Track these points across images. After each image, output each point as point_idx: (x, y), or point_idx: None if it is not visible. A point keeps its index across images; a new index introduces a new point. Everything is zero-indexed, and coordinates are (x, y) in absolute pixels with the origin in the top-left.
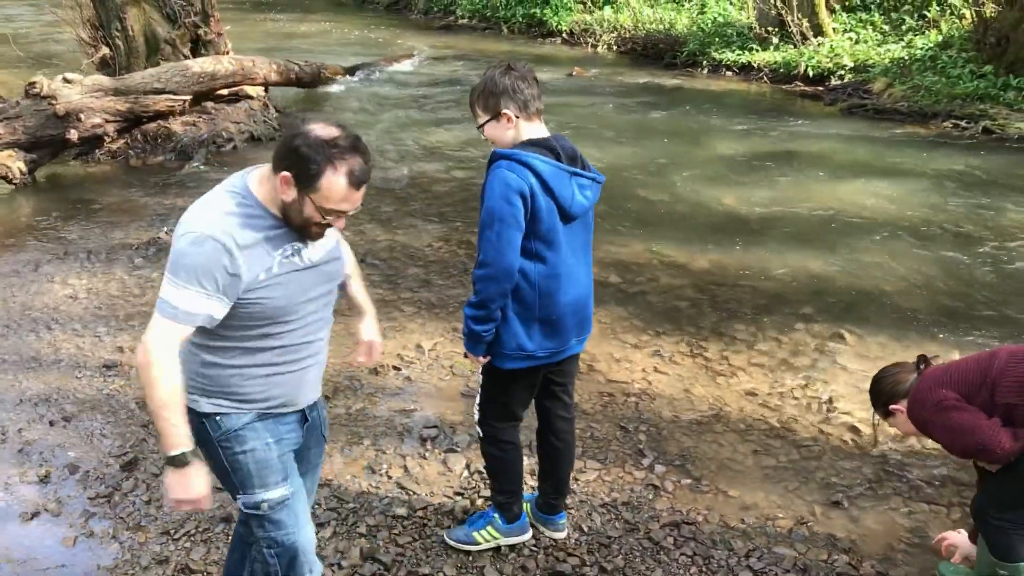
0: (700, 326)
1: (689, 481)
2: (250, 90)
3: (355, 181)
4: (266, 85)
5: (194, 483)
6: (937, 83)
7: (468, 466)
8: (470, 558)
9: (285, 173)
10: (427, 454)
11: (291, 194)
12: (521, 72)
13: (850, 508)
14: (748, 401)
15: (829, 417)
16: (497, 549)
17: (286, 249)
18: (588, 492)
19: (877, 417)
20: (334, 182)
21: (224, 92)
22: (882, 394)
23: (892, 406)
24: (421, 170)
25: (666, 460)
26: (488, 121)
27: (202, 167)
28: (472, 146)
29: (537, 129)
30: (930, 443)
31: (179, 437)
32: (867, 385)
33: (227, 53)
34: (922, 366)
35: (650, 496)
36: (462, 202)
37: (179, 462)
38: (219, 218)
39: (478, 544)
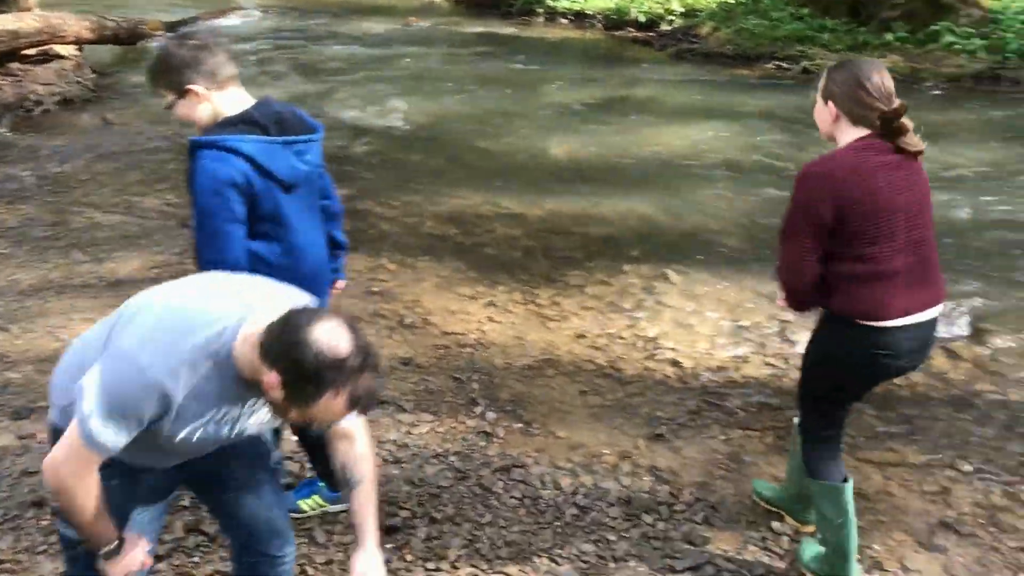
0: (534, 274)
1: (520, 426)
2: (61, 49)
3: (358, 407)
4: (79, 43)
5: (131, 557)
6: (760, 26)
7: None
8: (298, 522)
9: (275, 375)
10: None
11: (277, 394)
12: (201, 40)
13: (672, 440)
14: (578, 344)
15: (654, 354)
16: (323, 514)
17: (225, 413)
18: (420, 445)
19: None
20: (332, 405)
21: (31, 52)
22: None
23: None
24: None
25: (498, 407)
26: (176, 101)
27: (8, 133)
28: (300, 101)
29: (234, 98)
30: (747, 371)
31: (110, 534)
32: (689, 321)
33: (30, 9)
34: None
35: (482, 443)
36: None
37: (115, 552)
38: (181, 366)
39: (303, 512)
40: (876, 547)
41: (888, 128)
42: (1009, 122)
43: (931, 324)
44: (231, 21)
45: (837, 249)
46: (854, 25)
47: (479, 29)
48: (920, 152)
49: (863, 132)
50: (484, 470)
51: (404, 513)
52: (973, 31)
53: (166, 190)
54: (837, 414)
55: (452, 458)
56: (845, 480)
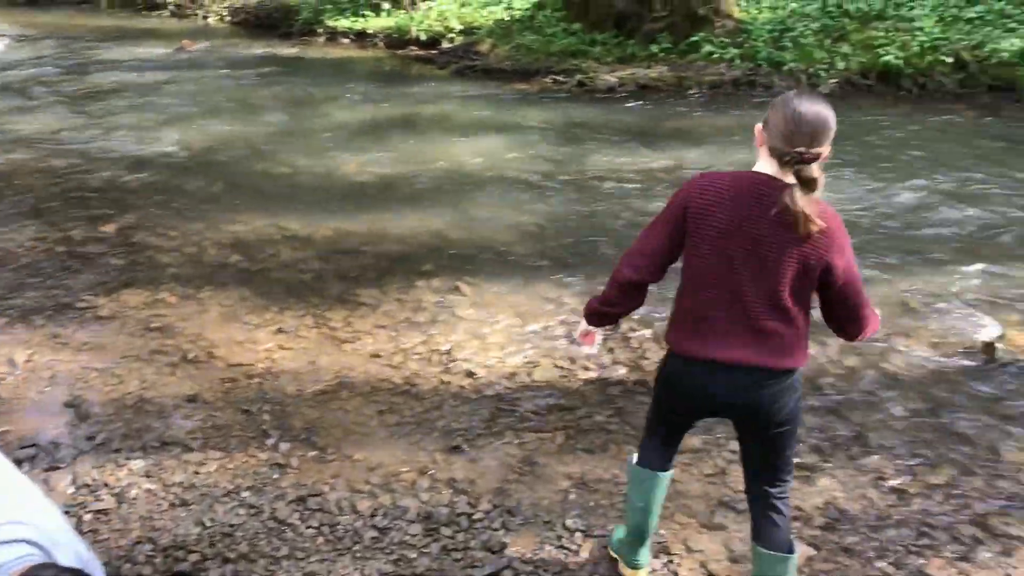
0: (324, 296)
1: (315, 453)
2: None
3: None
4: None
5: None
6: (536, 42)
7: (74, 481)
8: None
9: None
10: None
11: None
12: None
13: (469, 450)
14: (373, 363)
15: (449, 367)
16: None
17: None
18: (210, 484)
19: None
20: None
21: None
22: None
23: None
24: (9, 162)
25: (291, 436)
26: None
27: None
28: (68, 131)
29: None
30: (538, 375)
31: None
32: (483, 331)
33: None
34: None
35: (275, 476)
36: (60, 195)
37: None
38: None
39: None
40: (662, 532)
41: (795, 171)
42: None
43: (730, 372)
44: None
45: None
46: (622, 38)
47: (258, 51)
48: (807, 225)
49: (773, 165)
50: (279, 503)
51: (193, 556)
52: (728, 41)
53: None
54: (660, 417)
55: (244, 494)
56: (657, 471)
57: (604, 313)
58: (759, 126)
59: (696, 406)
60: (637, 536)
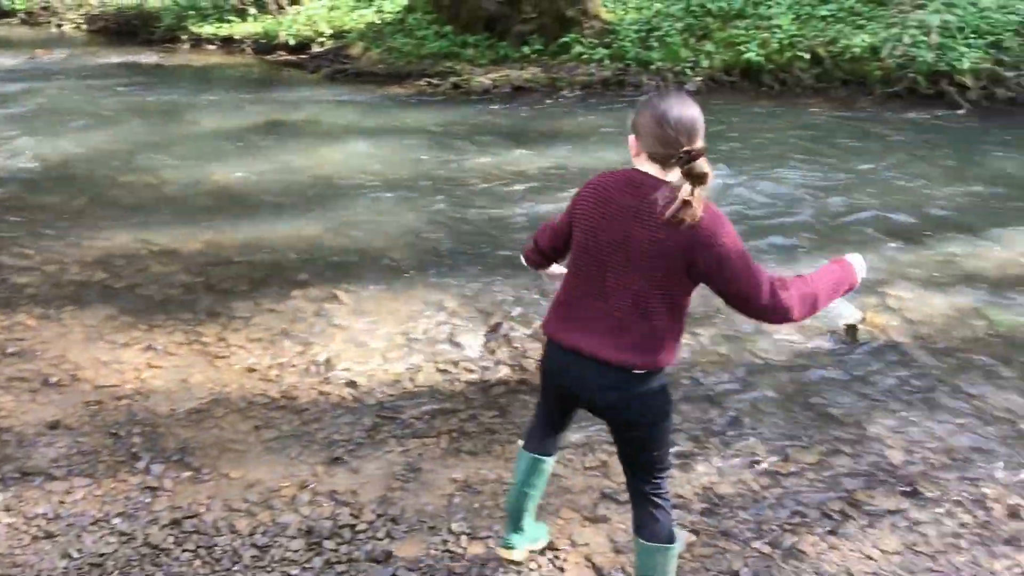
0: (196, 311)
1: (189, 474)
2: None
3: None
4: None
5: None
6: (407, 44)
7: None
8: None
9: None
10: None
11: None
12: None
13: (350, 460)
14: (248, 378)
15: (328, 377)
16: None
17: None
18: (77, 513)
19: None
20: None
21: None
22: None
23: None
24: None
25: (164, 458)
26: None
27: None
28: None
29: None
30: (420, 380)
31: None
32: (362, 339)
33: None
34: None
35: (148, 500)
36: None
37: None
38: None
39: None
40: (549, 527)
41: (686, 170)
42: None
43: (590, 365)
44: None
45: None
46: (493, 40)
47: (119, 59)
48: (689, 220)
49: (655, 167)
50: (152, 528)
51: None
52: (597, 42)
53: None
54: (541, 400)
55: (115, 520)
56: (533, 453)
57: (531, 261)
58: (631, 137)
59: (561, 392)
60: (512, 516)
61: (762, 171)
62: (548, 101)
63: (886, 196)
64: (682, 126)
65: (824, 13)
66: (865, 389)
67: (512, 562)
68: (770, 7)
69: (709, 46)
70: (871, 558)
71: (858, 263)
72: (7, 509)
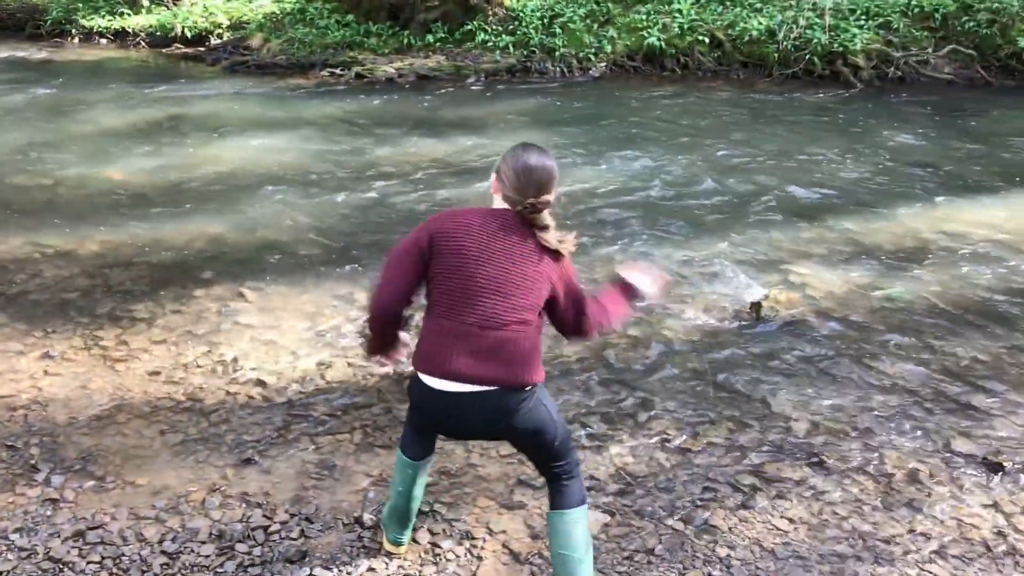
0: (95, 315)
1: (92, 483)
2: None
3: None
4: None
5: None
6: (309, 35)
7: None
8: None
9: None
10: None
11: None
12: None
13: (261, 461)
14: (152, 381)
15: (236, 377)
16: None
17: None
18: None
19: None
20: None
21: None
22: None
23: None
24: None
25: (64, 468)
26: None
27: None
28: None
29: None
30: (331, 376)
31: None
32: (269, 337)
33: None
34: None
35: (49, 512)
36: None
37: None
38: None
39: None
40: (465, 518)
41: (524, 218)
42: (540, 108)
43: (467, 396)
44: None
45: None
46: (397, 29)
47: (3, 54)
48: (556, 251)
49: (506, 207)
50: (54, 540)
51: None
52: (501, 29)
53: None
54: (413, 426)
55: (13, 536)
56: (414, 459)
57: (379, 345)
58: (493, 177)
59: (445, 428)
60: (400, 517)
61: (665, 153)
62: (453, 89)
63: (786, 175)
64: (533, 179)
65: None
66: (770, 364)
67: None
68: None
69: (612, 32)
70: (781, 529)
71: (639, 281)
72: None
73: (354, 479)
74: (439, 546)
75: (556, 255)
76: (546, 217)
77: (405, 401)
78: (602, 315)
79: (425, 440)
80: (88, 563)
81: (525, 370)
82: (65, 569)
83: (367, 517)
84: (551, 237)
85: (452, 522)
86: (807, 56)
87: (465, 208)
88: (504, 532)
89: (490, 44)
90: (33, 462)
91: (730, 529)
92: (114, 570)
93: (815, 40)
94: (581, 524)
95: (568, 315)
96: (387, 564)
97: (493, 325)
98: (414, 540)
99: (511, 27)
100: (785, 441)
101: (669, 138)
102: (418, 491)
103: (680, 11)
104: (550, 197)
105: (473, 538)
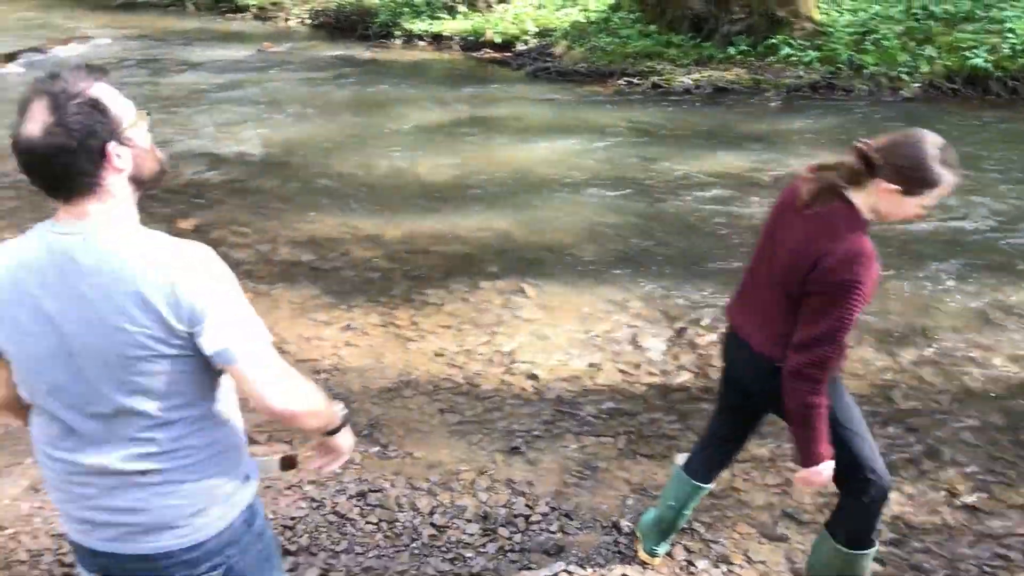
0: (391, 295)
1: (377, 449)
2: None
3: None
4: None
5: None
6: (611, 44)
7: None
8: None
9: None
10: None
11: None
12: None
13: (528, 452)
14: (436, 362)
15: (511, 368)
16: None
17: None
18: (272, 478)
19: None
20: None
21: None
22: None
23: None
24: None
25: (355, 432)
26: None
27: None
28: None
29: None
30: (600, 378)
31: None
32: (545, 333)
33: None
34: None
35: (339, 470)
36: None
37: None
38: None
39: None
40: (723, 541)
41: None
42: (841, 127)
43: (742, 347)
44: (77, 49)
45: None
46: (698, 40)
47: (336, 52)
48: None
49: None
50: (340, 497)
51: None
52: (807, 43)
53: (5, 228)
54: (714, 416)
55: (307, 488)
56: (698, 482)
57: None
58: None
59: (729, 376)
60: (664, 529)
61: (988, 184)
62: (751, 103)
63: None
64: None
65: None
66: None
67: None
68: (1003, 9)
69: (930, 50)
70: None
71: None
72: None
73: (615, 484)
74: (694, 565)
75: None
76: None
77: (671, 414)
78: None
79: (719, 451)
80: (366, 522)
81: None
82: (347, 524)
83: (624, 523)
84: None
85: (710, 543)
86: None
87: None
88: (763, 563)
89: (794, 59)
90: None
91: None
92: (388, 532)
93: None
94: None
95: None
96: (641, 573)
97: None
98: (669, 555)
99: (818, 42)
100: None
101: (992, 167)
102: (689, 510)
103: (1013, 31)
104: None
105: (730, 563)
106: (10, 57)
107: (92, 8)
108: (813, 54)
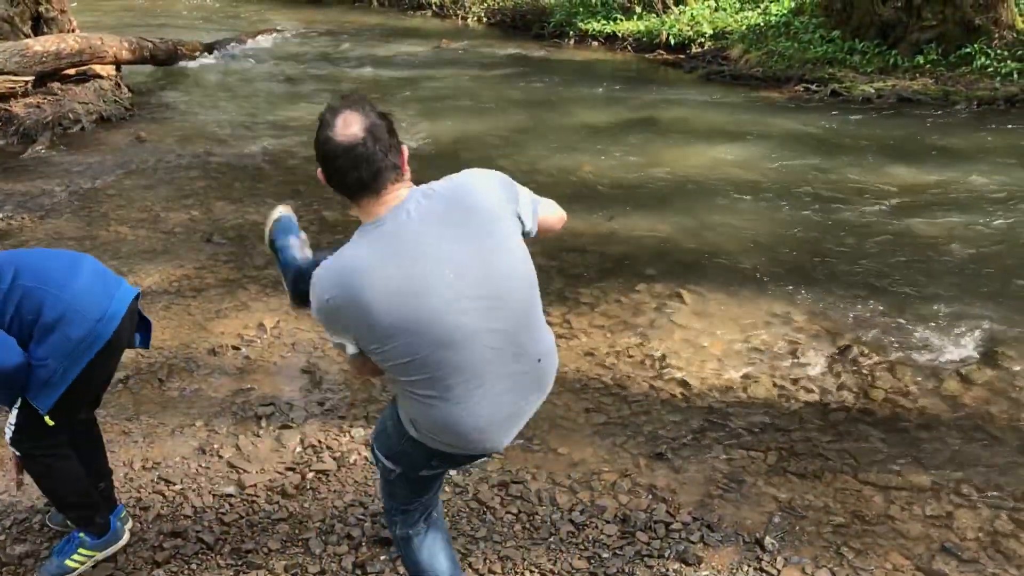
0: (547, 292)
1: (521, 442)
2: (100, 69)
3: None
4: (117, 64)
5: None
6: (790, 48)
7: (302, 441)
8: (296, 531)
9: None
10: (261, 432)
11: None
12: None
13: (673, 459)
14: (586, 361)
15: (661, 373)
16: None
17: None
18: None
19: None
20: None
21: (71, 72)
22: None
23: None
24: (277, 146)
25: None
26: None
27: (46, 150)
28: None
29: None
30: (754, 391)
31: None
32: (700, 341)
33: (72, 31)
34: None
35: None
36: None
37: None
38: None
39: (75, 569)
40: (874, 571)
41: None
42: None
43: None
44: (267, 42)
45: None
46: (884, 47)
47: (510, 51)
48: None
49: None
50: (482, 485)
51: None
52: (1007, 54)
53: (192, 206)
54: None
55: (450, 471)
56: None
57: None
58: None
59: None
60: None
61: None
62: (937, 115)
63: None
64: None
65: None
66: None
67: None
68: None
69: None
70: None
71: None
72: (367, 444)
73: (762, 500)
74: None
75: None
76: None
77: (827, 433)
78: None
79: None
80: (506, 512)
81: None
82: (487, 513)
83: (768, 541)
84: None
85: (858, 570)
86: None
87: None
88: None
89: (991, 70)
90: None
91: None
92: (527, 525)
93: None
94: None
95: None
96: None
97: None
98: None
99: (1019, 52)
100: None
101: None
102: None
103: None
104: None
105: None
106: (209, 47)
107: (285, 4)
108: (1013, 65)
